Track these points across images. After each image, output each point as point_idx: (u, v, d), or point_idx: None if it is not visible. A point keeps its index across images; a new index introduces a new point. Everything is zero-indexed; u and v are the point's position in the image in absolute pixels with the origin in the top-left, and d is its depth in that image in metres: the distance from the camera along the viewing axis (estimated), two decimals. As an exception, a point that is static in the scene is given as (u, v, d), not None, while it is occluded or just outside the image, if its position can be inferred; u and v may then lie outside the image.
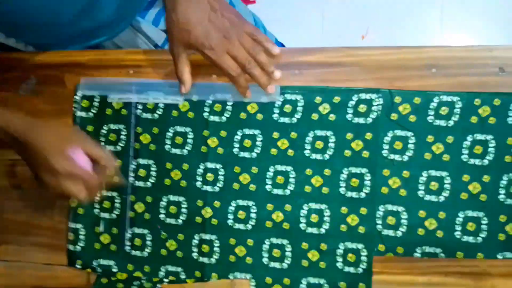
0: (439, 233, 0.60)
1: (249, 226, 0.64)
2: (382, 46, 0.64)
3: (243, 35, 0.58)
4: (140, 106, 0.66)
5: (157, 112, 0.66)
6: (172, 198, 0.65)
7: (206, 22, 0.57)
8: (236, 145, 0.64)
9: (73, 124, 0.67)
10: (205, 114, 0.65)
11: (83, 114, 0.67)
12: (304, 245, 0.62)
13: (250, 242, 0.63)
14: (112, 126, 0.66)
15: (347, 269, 0.61)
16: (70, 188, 0.55)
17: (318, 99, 0.63)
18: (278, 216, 0.63)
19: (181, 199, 0.65)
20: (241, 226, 0.64)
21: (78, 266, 0.67)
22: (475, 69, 0.61)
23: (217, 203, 0.64)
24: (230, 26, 0.58)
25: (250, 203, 0.64)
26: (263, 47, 0.59)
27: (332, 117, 0.62)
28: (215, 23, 0.57)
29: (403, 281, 0.61)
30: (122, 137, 0.66)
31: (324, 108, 0.63)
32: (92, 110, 0.67)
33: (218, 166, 0.64)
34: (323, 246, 0.62)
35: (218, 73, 0.64)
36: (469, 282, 0.60)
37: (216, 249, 0.64)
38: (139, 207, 0.66)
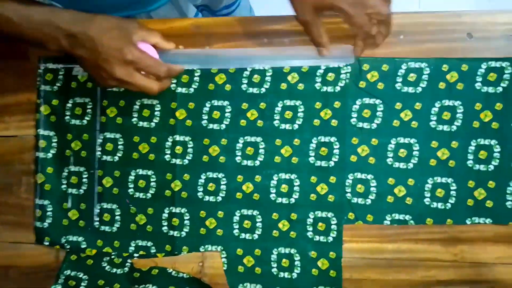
0: (408, 200, 0.60)
1: (219, 198, 0.63)
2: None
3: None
4: (105, 79, 0.65)
5: (123, 84, 0.65)
6: (141, 172, 0.64)
7: None
8: (205, 116, 0.63)
9: (37, 98, 0.66)
10: (172, 86, 0.64)
11: (47, 87, 0.66)
12: (275, 216, 0.62)
13: (220, 214, 0.63)
14: (78, 100, 0.65)
15: (317, 238, 0.61)
16: (141, 81, 0.55)
17: (286, 69, 0.62)
18: (248, 187, 0.63)
19: (150, 172, 0.64)
20: (211, 199, 0.63)
21: (46, 243, 0.65)
22: (443, 35, 0.61)
23: (186, 176, 0.63)
24: None
25: (220, 175, 0.63)
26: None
27: (300, 86, 0.62)
28: None
29: (373, 248, 0.61)
30: (88, 110, 0.65)
31: (293, 78, 0.62)
32: (57, 84, 0.66)
33: (187, 138, 0.64)
34: (293, 216, 0.62)
35: (185, 43, 0.63)
36: (438, 248, 0.60)
37: (186, 222, 0.63)
38: (107, 181, 0.65)
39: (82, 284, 0.65)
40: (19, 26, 0.54)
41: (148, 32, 0.57)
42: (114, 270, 0.65)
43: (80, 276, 0.65)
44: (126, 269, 0.65)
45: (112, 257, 0.65)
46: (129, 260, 0.65)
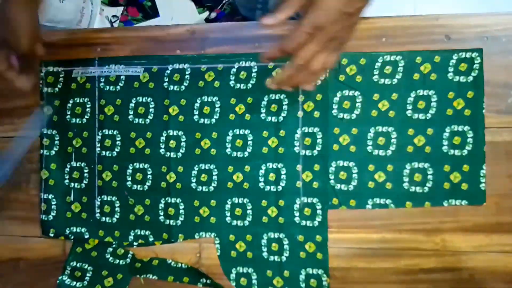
0: (388, 185, 0.64)
1: (211, 188, 0.67)
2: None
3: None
4: (103, 80, 0.69)
5: (119, 84, 0.69)
6: (138, 165, 0.69)
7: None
8: (196, 112, 0.68)
9: (40, 100, 0.70)
10: (165, 84, 0.68)
11: (49, 89, 0.70)
12: (264, 203, 0.66)
13: (213, 203, 0.67)
14: (78, 100, 0.70)
15: (304, 223, 0.65)
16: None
17: (271, 65, 0.66)
18: (238, 177, 0.67)
19: (146, 166, 0.68)
20: (203, 189, 0.67)
21: (51, 235, 0.70)
22: (422, 37, 0.64)
23: (180, 168, 0.68)
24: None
25: (212, 166, 0.67)
26: None
27: (284, 81, 0.66)
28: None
29: (359, 238, 0.64)
30: (87, 109, 0.69)
31: (277, 73, 0.66)
32: (58, 86, 0.70)
33: (180, 133, 0.68)
34: (281, 203, 0.66)
35: (182, 48, 0.68)
36: (421, 237, 0.63)
37: (181, 211, 0.68)
38: (107, 175, 0.69)
39: (87, 274, 0.69)
40: None
41: None
42: (117, 261, 0.69)
43: (85, 267, 0.69)
44: (128, 260, 0.69)
45: (114, 246, 0.69)
46: (130, 252, 0.69)
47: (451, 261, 0.63)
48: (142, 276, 0.68)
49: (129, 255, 0.69)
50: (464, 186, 0.63)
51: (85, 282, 0.69)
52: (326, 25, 0.46)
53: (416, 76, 0.64)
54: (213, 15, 1.39)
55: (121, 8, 1.43)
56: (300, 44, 0.48)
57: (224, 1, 1.39)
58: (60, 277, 0.70)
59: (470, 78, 0.63)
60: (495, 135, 0.62)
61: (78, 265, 0.70)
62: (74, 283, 0.69)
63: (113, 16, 1.42)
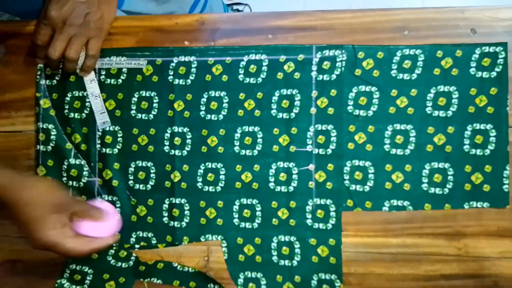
0: (406, 186, 0.61)
1: (218, 188, 0.64)
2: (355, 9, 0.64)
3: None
4: (103, 72, 0.65)
5: (121, 77, 0.65)
6: (140, 163, 0.65)
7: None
8: (203, 107, 0.64)
9: (36, 92, 0.66)
10: (170, 78, 0.64)
11: (47, 82, 0.66)
12: (274, 204, 0.63)
13: (220, 203, 0.63)
14: (76, 93, 0.66)
15: (316, 225, 0.62)
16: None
17: (282, 58, 0.63)
18: (247, 176, 0.63)
19: (149, 164, 0.65)
20: (210, 188, 0.64)
21: (48, 236, 0.66)
22: (446, 31, 0.61)
23: (185, 167, 0.64)
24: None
25: (219, 165, 0.64)
26: None
27: (297, 75, 0.62)
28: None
29: (377, 243, 0.61)
30: (87, 104, 0.65)
31: (289, 67, 0.62)
32: (56, 78, 0.66)
33: (185, 129, 0.64)
34: (292, 204, 0.62)
35: (190, 39, 0.64)
36: (443, 242, 0.61)
37: (186, 212, 0.64)
38: (107, 174, 0.65)
39: (88, 278, 0.66)
40: None
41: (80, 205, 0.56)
42: (119, 263, 0.65)
43: (86, 270, 0.66)
44: (131, 262, 0.65)
45: (115, 249, 0.65)
46: (134, 254, 0.65)
47: (473, 267, 0.60)
48: (146, 280, 0.65)
49: (132, 258, 0.65)
50: (486, 187, 0.60)
51: (85, 286, 0.65)
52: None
53: (437, 71, 0.60)
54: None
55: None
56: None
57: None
58: (58, 280, 0.66)
59: (494, 74, 0.60)
60: (520, 134, 0.59)
61: (77, 267, 0.66)
62: (74, 286, 0.65)
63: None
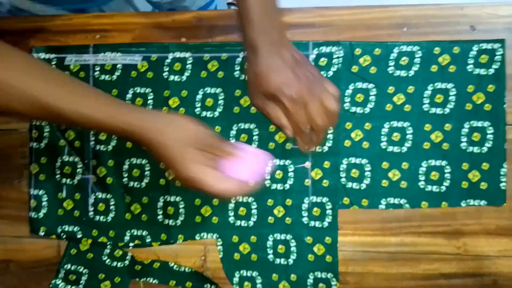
0: (403, 184, 0.60)
1: (213, 186, 0.63)
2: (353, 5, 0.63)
3: (324, 92, 0.53)
4: (97, 68, 0.64)
5: (116, 73, 0.64)
6: (135, 161, 0.64)
7: (289, 72, 0.51)
8: (198, 104, 0.63)
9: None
10: (165, 74, 0.64)
11: (39, 78, 0.65)
12: (270, 202, 0.62)
13: (215, 201, 0.63)
14: (70, 90, 0.65)
15: (312, 223, 0.61)
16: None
17: (278, 55, 0.62)
18: (242, 174, 0.62)
19: (144, 161, 0.64)
20: (205, 186, 0.63)
21: (42, 233, 0.65)
22: (446, 28, 0.61)
23: (180, 164, 0.63)
24: (314, 81, 0.52)
25: (214, 162, 0.63)
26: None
27: (293, 72, 0.62)
28: (299, 74, 0.51)
29: (375, 242, 0.61)
30: (81, 100, 0.65)
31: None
32: (49, 75, 0.65)
33: None
34: (288, 202, 0.62)
35: (187, 36, 0.64)
36: (442, 241, 0.60)
37: (181, 210, 0.63)
38: (101, 171, 0.64)
39: (83, 278, 0.65)
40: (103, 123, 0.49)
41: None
42: (115, 263, 0.65)
43: (81, 270, 0.65)
44: (127, 262, 0.64)
45: (112, 248, 0.64)
46: (129, 254, 0.64)
47: (473, 266, 0.59)
48: (142, 280, 0.64)
49: (128, 257, 0.64)
50: (484, 185, 0.59)
51: (80, 286, 0.65)
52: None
53: (434, 68, 0.60)
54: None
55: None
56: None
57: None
58: (53, 281, 0.65)
59: (491, 71, 0.59)
60: (517, 131, 0.59)
61: (72, 267, 0.65)
62: (69, 286, 0.65)
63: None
